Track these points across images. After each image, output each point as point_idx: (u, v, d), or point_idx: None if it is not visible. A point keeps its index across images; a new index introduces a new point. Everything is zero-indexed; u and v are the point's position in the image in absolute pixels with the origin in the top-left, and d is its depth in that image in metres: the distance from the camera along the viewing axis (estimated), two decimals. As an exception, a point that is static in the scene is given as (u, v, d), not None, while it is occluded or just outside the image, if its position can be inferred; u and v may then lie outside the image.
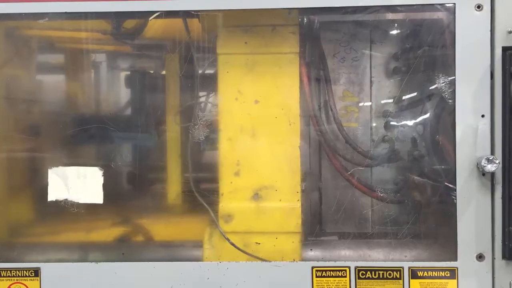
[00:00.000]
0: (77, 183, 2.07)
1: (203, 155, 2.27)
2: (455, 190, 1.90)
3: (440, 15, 2.12)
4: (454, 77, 1.90)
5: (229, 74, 2.08)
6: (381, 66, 2.35)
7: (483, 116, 1.87)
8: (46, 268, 2.00)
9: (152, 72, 2.56)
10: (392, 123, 2.32)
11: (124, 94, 2.49)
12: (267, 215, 2.08)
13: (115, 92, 2.55)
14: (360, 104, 2.35)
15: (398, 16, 2.27)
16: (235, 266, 1.98)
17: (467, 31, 1.86)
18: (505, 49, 1.85)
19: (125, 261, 2.04)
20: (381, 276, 1.94)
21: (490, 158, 1.81)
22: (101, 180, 2.06)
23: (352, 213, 2.31)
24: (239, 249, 2.04)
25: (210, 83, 2.15)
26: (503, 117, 1.85)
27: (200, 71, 2.20)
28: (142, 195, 2.39)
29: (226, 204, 2.09)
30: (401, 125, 2.31)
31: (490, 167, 1.82)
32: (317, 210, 2.34)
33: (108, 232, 2.28)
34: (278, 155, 2.08)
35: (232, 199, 2.08)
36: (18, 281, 2.00)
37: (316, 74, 2.21)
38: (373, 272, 1.95)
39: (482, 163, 1.81)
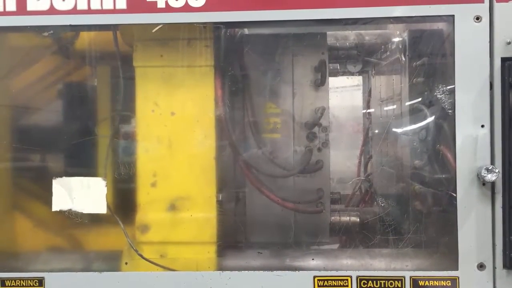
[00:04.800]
0: (80, 193, 2.08)
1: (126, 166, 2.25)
2: (456, 200, 1.91)
3: (441, 25, 2.15)
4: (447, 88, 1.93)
5: (145, 87, 2.12)
6: (303, 78, 2.38)
7: (482, 126, 1.88)
8: (51, 278, 2.02)
9: (82, 83, 2.53)
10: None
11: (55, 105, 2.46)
12: (182, 226, 2.11)
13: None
14: (282, 116, 2.38)
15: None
16: (237, 276, 1.99)
17: (466, 43, 1.88)
18: (504, 60, 1.87)
19: (128, 271, 2.06)
20: (382, 286, 1.95)
21: (490, 168, 1.83)
22: (104, 190, 2.08)
23: (273, 222, 2.34)
24: (147, 260, 2.07)
25: (132, 95, 2.16)
26: (502, 127, 1.87)
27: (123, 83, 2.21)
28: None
29: (142, 214, 2.11)
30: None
31: (490, 177, 1.83)
32: (237, 220, 2.35)
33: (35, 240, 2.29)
34: (194, 166, 2.11)
35: (149, 210, 2.11)
36: (23, 291, 2.02)
37: (234, 86, 2.26)
38: (374, 282, 1.95)
39: (482, 173, 1.83)
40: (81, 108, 2.41)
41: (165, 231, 2.12)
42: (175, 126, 2.12)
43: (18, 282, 2.01)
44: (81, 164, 2.30)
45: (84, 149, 2.30)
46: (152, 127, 2.12)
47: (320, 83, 2.35)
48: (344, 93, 3.37)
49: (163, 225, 2.12)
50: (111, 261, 2.18)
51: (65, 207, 2.08)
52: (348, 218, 2.49)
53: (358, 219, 2.49)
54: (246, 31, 2.30)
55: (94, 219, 2.14)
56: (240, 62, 2.30)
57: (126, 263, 2.13)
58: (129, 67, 2.15)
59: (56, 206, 2.08)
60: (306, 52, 2.36)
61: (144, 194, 2.12)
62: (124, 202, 2.18)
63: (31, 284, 2.01)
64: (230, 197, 2.35)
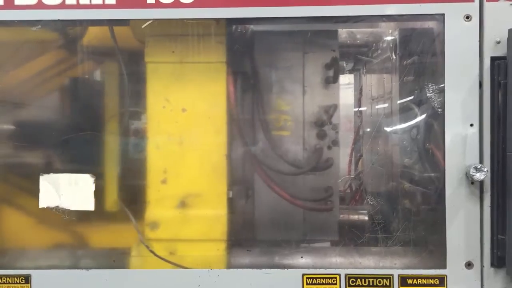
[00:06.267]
0: (68, 190, 2.07)
1: (136, 162, 2.23)
2: (445, 198, 1.91)
3: (431, 24, 2.15)
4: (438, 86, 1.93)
5: (156, 83, 2.10)
6: (314, 75, 2.35)
7: (472, 125, 1.89)
8: (37, 275, 2.00)
9: (90, 78, 2.49)
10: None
11: (63, 101, 2.43)
12: (193, 223, 2.09)
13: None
14: (293, 113, 2.36)
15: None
16: (225, 274, 1.99)
17: (456, 41, 1.89)
18: (493, 59, 1.87)
19: (116, 268, 2.05)
20: (371, 284, 1.95)
21: (479, 167, 1.83)
22: (92, 187, 2.06)
23: (283, 220, 2.33)
24: (159, 257, 2.05)
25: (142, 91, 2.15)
26: (491, 126, 1.88)
27: (131, 79, 2.20)
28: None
29: (152, 211, 2.09)
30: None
31: (478, 176, 1.83)
32: (247, 218, 2.33)
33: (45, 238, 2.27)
34: (205, 163, 2.10)
35: (159, 206, 2.09)
36: (9, 288, 2.00)
37: (245, 83, 2.24)
38: (363, 280, 1.96)
39: (471, 172, 1.83)
40: (90, 104, 2.37)
41: (175, 229, 2.10)
42: (186, 122, 2.09)
43: (4, 279, 1.99)
44: (89, 162, 2.26)
45: (93, 146, 2.27)
46: (162, 124, 2.10)
47: (332, 80, 2.33)
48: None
49: (173, 222, 2.09)
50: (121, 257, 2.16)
51: (52, 203, 2.06)
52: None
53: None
54: (262, 27, 2.26)
55: (101, 216, 2.14)
56: (252, 59, 2.27)
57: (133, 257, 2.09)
58: (140, 62, 2.12)
59: (43, 202, 2.06)
60: (317, 49, 2.33)
61: (154, 191, 2.09)
62: (134, 198, 2.16)
63: (17, 282, 1.99)
64: (242, 195, 2.31)
